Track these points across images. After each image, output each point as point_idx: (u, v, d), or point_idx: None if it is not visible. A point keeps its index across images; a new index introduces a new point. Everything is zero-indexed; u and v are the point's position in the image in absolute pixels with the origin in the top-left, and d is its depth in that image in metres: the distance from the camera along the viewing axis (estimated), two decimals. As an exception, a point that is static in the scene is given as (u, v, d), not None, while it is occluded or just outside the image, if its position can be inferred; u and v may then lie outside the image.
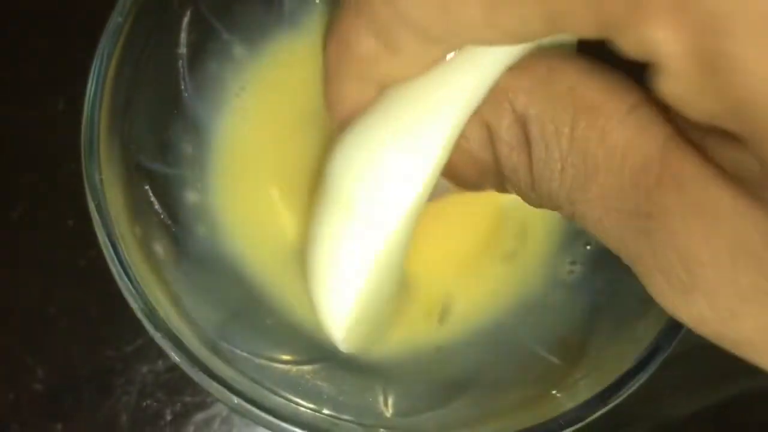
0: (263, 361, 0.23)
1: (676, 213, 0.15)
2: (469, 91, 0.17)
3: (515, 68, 0.17)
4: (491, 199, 0.27)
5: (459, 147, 0.18)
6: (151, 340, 0.21)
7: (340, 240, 0.19)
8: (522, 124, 0.17)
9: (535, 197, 0.18)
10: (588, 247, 0.27)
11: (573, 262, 0.27)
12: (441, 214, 0.24)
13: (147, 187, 0.24)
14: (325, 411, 0.22)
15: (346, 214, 0.19)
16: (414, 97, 0.18)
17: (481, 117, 0.18)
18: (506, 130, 0.18)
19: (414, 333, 0.26)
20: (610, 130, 0.16)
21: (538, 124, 0.17)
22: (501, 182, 0.19)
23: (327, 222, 0.19)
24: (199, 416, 0.31)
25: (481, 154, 0.19)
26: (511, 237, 0.28)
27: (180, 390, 0.31)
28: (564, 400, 0.22)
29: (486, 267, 0.27)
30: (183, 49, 0.26)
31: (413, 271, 0.26)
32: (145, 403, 0.31)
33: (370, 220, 0.19)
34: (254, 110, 0.28)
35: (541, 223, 0.28)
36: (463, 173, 0.19)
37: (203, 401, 0.31)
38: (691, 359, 0.28)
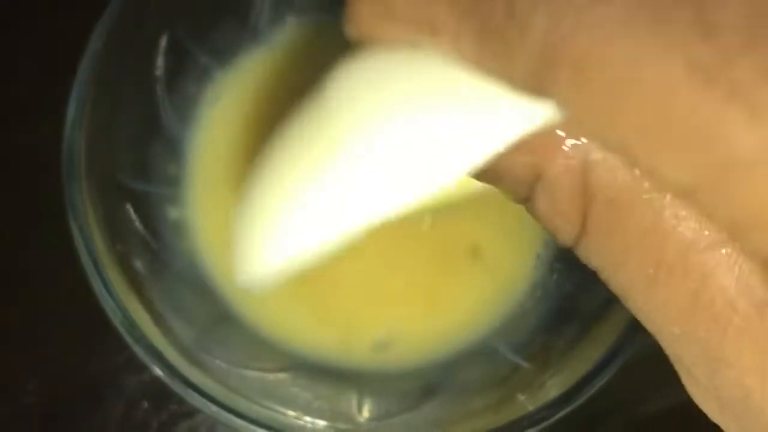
0: (240, 371, 0.24)
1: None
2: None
3: None
4: (440, 222, 0.29)
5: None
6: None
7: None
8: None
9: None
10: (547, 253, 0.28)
11: (535, 268, 0.28)
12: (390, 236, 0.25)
13: (128, 206, 0.25)
14: (303, 417, 0.23)
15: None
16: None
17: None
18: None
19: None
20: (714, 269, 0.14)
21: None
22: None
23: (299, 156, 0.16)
24: (185, 424, 0.31)
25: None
26: (464, 256, 0.29)
27: (166, 399, 0.32)
28: (530, 401, 0.23)
29: (444, 286, 0.28)
30: (160, 72, 0.27)
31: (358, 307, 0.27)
32: (132, 413, 0.32)
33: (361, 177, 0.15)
34: (229, 124, 0.29)
35: (495, 238, 0.29)
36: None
37: (188, 410, 0.32)
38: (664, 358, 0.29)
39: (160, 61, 0.26)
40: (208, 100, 0.29)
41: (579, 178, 0.14)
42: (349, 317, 0.28)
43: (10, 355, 0.33)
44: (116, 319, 0.21)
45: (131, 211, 0.25)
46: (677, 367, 0.16)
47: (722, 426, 0.16)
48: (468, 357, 0.26)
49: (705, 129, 0.12)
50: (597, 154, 0.14)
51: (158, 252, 0.25)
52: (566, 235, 0.15)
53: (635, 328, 0.23)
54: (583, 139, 0.14)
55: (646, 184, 0.14)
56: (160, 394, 0.32)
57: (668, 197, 0.14)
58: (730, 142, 0.11)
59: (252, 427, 0.22)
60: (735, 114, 0.11)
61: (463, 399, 0.25)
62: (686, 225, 0.14)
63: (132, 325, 0.21)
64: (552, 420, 0.22)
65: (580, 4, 0.12)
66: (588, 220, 0.15)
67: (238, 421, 0.21)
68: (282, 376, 0.25)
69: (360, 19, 0.15)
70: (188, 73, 0.28)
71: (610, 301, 0.23)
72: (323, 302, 0.28)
